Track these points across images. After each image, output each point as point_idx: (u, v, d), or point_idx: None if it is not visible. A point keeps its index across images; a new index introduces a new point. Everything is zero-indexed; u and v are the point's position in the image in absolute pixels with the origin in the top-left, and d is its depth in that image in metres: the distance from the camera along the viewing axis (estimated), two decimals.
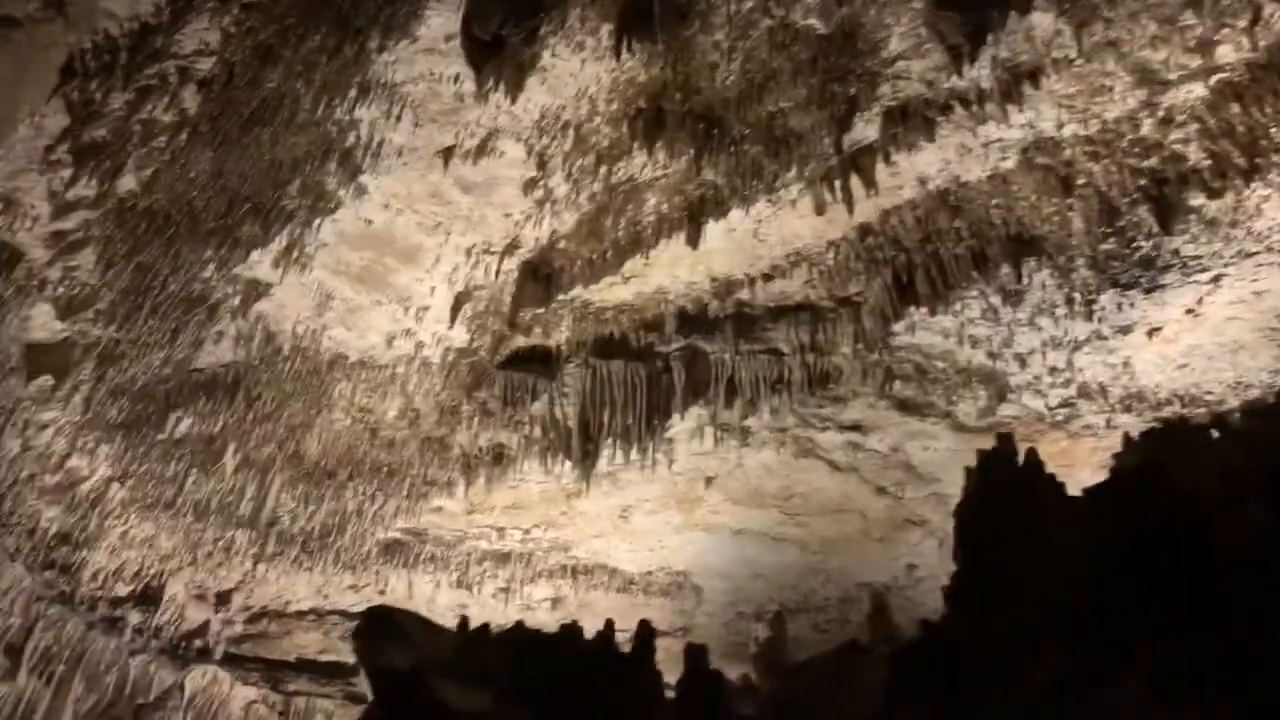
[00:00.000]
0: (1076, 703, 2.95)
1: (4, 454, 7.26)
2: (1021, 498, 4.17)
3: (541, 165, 6.10)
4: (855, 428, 7.76)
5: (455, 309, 6.92)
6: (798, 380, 7.31)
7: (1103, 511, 3.59)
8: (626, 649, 4.88)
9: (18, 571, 7.52)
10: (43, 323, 6.57)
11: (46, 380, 6.72)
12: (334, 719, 9.41)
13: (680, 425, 7.62)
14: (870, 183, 6.00)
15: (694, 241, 6.37)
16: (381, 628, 4.22)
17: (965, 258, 6.51)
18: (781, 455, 7.96)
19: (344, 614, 9.53)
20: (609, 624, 4.99)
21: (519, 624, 4.81)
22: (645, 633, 4.83)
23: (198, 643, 9.11)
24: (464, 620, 5.05)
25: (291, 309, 6.96)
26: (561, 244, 6.61)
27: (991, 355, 7.12)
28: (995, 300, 6.72)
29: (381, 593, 9.35)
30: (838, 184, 6.10)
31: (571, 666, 4.16)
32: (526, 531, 8.83)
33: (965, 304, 6.73)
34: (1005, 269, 6.40)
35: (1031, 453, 4.71)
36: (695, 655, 5.00)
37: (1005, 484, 4.37)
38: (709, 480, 8.23)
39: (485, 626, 4.71)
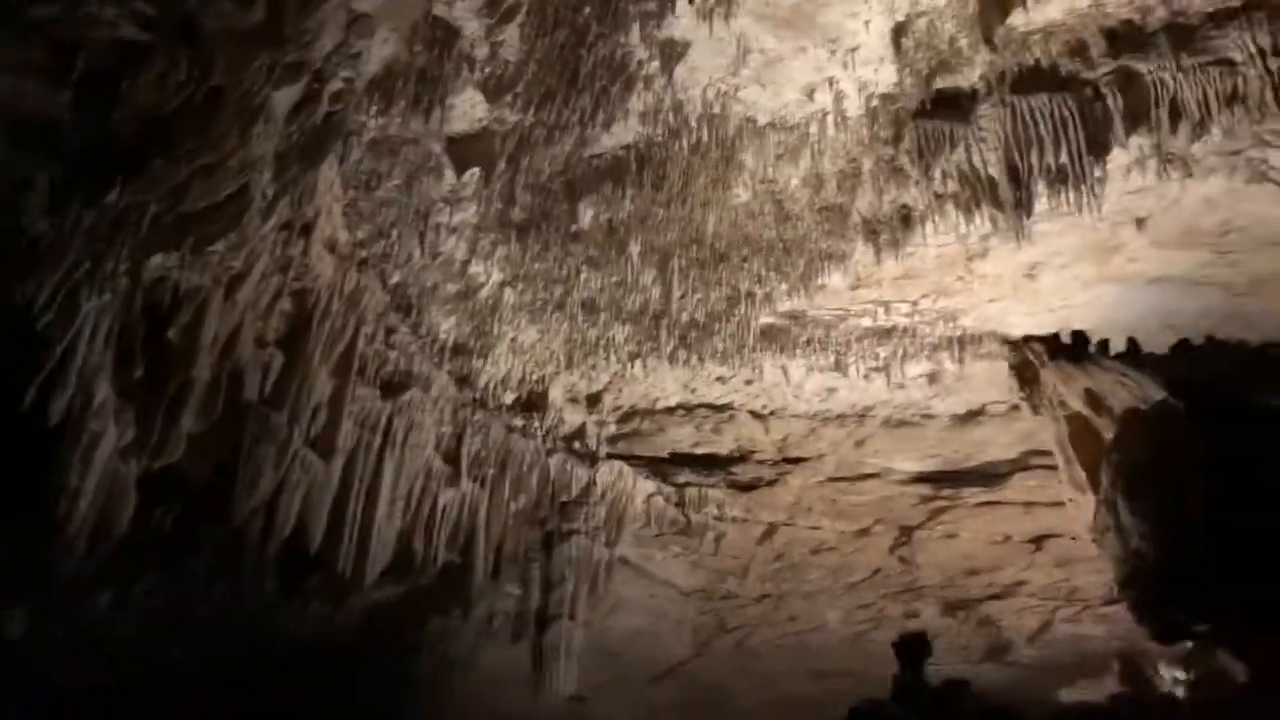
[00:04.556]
0: None
1: (415, 264, 7.11)
2: None
3: None
4: None
5: (895, 42, 6.17)
6: (1255, 93, 6.37)
7: None
8: None
9: (443, 380, 7.53)
10: (465, 111, 6.19)
11: (472, 175, 6.40)
12: (724, 506, 9.42)
13: (1121, 159, 6.79)
14: None
15: None
16: None
17: None
18: (1231, 183, 7.03)
19: (710, 406, 9.38)
20: None
21: None
22: None
23: (576, 445, 9.17)
24: None
25: (705, 71, 6.36)
26: None
27: None
28: None
29: (749, 382, 9.12)
30: None
31: None
32: (914, 303, 8.28)
33: None
34: None
35: None
36: None
37: None
38: (1139, 222, 7.41)
39: None
